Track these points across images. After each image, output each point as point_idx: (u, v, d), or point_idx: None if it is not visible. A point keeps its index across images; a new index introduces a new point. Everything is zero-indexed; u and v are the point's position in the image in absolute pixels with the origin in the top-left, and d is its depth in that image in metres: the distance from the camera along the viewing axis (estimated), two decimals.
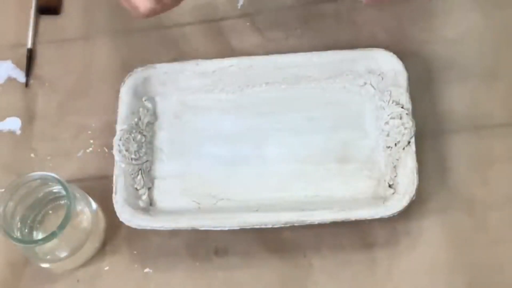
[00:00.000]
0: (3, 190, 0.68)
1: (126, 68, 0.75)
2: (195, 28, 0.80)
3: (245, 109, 0.74)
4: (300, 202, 0.70)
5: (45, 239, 0.65)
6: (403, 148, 0.68)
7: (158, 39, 0.80)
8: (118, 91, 0.73)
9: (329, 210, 0.67)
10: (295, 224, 0.67)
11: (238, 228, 0.68)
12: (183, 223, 0.68)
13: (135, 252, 0.72)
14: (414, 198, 0.67)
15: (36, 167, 0.75)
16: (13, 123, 0.78)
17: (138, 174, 0.71)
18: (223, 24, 0.80)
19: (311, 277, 0.69)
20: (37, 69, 0.80)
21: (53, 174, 0.67)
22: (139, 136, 0.73)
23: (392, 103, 0.70)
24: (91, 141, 0.76)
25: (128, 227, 0.69)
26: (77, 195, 0.68)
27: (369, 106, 0.73)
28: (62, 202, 0.71)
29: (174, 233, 0.71)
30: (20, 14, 0.83)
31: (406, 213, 0.68)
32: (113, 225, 0.72)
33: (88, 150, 0.76)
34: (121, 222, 0.69)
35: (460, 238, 0.69)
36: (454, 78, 0.74)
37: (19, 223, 0.70)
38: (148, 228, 0.68)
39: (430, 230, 0.69)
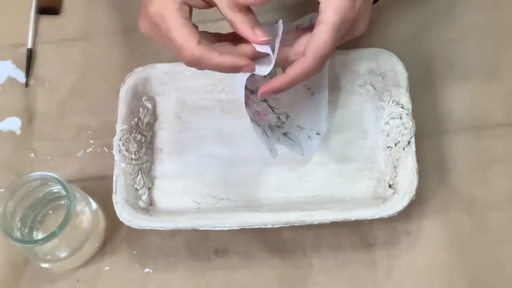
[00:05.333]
0: (3, 190, 0.68)
1: (126, 68, 0.74)
2: None
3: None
4: (300, 202, 0.70)
5: (45, 239, 0.65)
6: (403, 148, 0.68)
7: None
8: (118, 91, 0.73)
9: (329, 210, 0.67)
10: (295, 224, 0.67)
11: (238, 228, 0.68)
12: (183, 223, 0.68)
13: (135, 252, 0.72)
14: (414, 198, 0.67)
15: (36, 167, 0.75)
16: (13, 123, 0.78)
17: (138, 174, 0.71)
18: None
19: (311, 277, 0.69)
20: (37, 69, 0.80)
21: (53, 174, 0.67)
22: (139, 136, 0.73)
23: (392, 103, 0.70)
24: (91, 141, 0.76)
25: (128, 227, 0.69)
26: (77, 195, 0.68)
27: (369, 106, 0.73)
28: (62, 202, 0.71)
29: (174, 233, 0.71)
30: (20, 14, 0.83)
31: (406, 213, 0.68)
32: (113, 225, 0.72)
33: (88, 150, 0.76)
34: (121, 222, 0.69)
35: (460, 238, 0.69)
36: (454, 78, 0.75)
37: (19, 223, 0.70)
38: (148, 228, 0.68)
39: (430, 230, 0.69)
